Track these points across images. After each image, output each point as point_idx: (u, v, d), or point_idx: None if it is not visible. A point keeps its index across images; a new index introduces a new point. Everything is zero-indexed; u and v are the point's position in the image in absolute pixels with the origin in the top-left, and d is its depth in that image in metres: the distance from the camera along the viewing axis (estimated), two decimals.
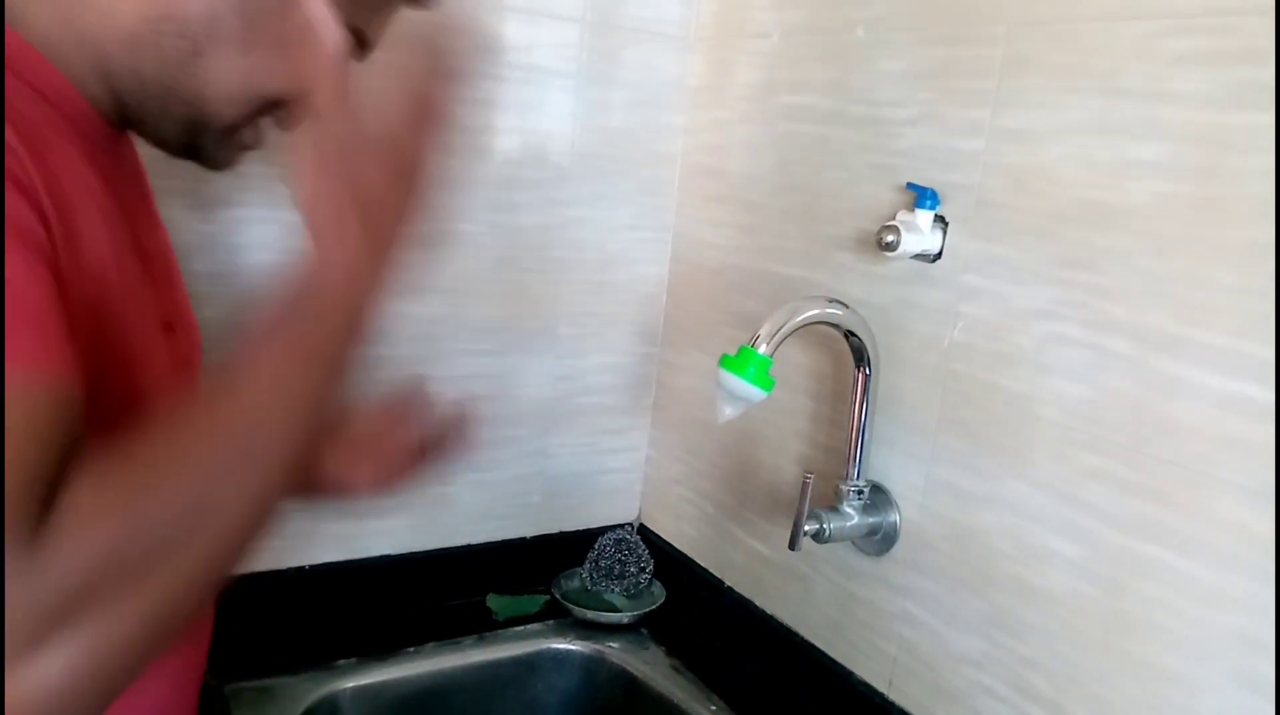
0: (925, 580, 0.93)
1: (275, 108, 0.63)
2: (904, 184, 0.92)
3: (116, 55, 0.58)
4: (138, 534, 0.46)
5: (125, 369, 0.58)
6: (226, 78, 0.59)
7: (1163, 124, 0.72)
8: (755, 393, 0.84)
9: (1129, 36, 0.74)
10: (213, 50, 0.58)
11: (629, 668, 1.16)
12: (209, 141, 0.63)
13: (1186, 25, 0.70)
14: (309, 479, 0.78)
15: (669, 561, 1.29)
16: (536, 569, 1.27)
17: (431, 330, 1.14)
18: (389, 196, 0.59)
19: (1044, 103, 0.80)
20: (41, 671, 0.42)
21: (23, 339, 0.44)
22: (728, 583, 1.19)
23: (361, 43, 0.64)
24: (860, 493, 0.95)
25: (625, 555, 1.27)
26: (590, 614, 1.21)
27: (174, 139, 0.62)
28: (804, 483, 0.91)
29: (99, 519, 0.44)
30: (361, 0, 0.62)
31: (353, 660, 1.09)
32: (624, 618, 1.21)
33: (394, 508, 1.14)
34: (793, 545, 0.92)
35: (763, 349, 0.84)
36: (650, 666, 1.16)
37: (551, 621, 1.23)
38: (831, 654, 1.04)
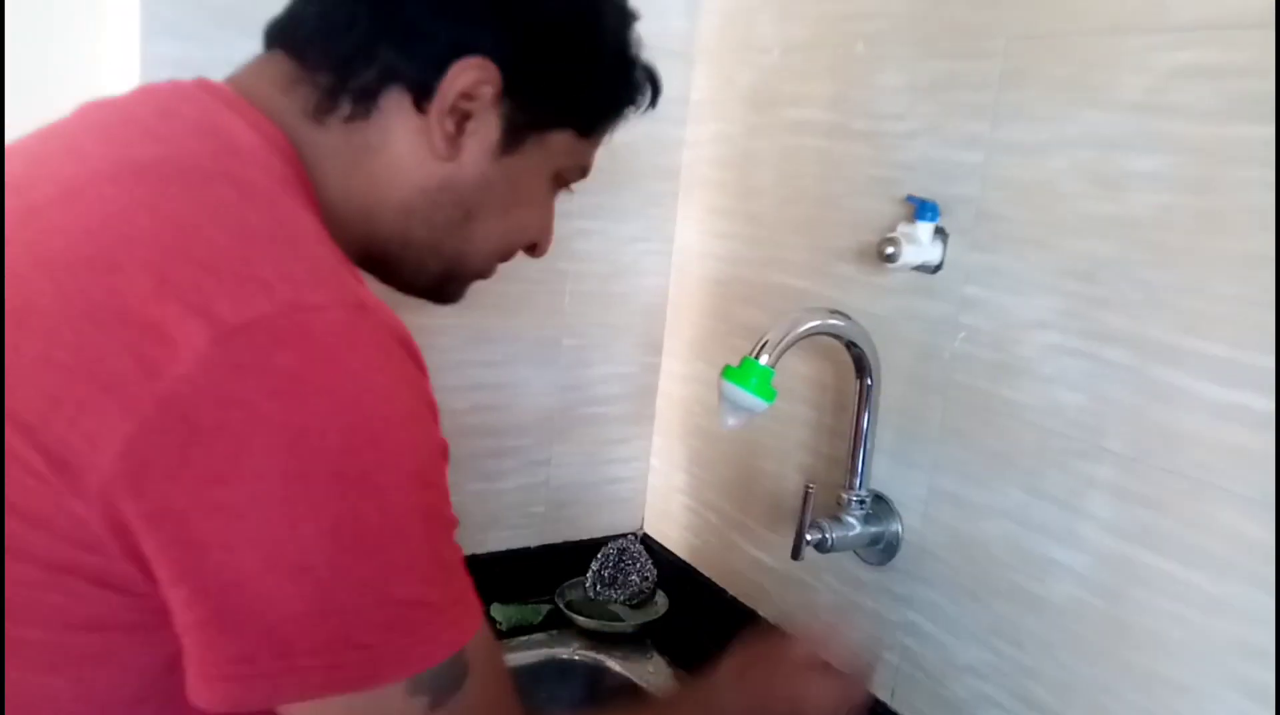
0: (927, 590, 0.93)
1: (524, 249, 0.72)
2: (904, 196, 0.93)
3: (386, 221, 0.63)
4: None
5: None
6: (489, 236, 0.67)
7: (1161, 136, 0.72)
8: (757, 403, 0.84)
9: (1127, 50, 0.75)
10: (481, 215, 0.65)
11: (632, 677, 1.17)
12: (456, 287, 0.70)
13: (1184, 39, 0.71)
14: None
15: (672, 571, 1.29)
16: (540, 579, 1.27)
17: (436, 341, 1.15)
18: None
19: (1043, 115, 0.81)
20: None
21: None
22: (731, 592, 1.19)
23: (584, 174, 0.72)
24: (862, 502, 0.96)
25: (628, 564, 1.27)
26: (594, 624, 1.21)
27: (422, 286, 0.69)
28: (806, 492, 0.92)
29: None
30: (595, 144, 0.70)
31: None
32: (628, 628, 1.22)
33: None
34: (795, 555, 0.93)
35: (765, 360, 0.84)
36: (653, 676, 1.17)
37: (555, 631, 1.23)
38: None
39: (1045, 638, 0.82)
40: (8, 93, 0.92)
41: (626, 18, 0.66)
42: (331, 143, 0.59)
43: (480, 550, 1.23)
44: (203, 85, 0.59)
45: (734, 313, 1.19)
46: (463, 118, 0.60)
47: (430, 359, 1.20)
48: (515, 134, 0.62)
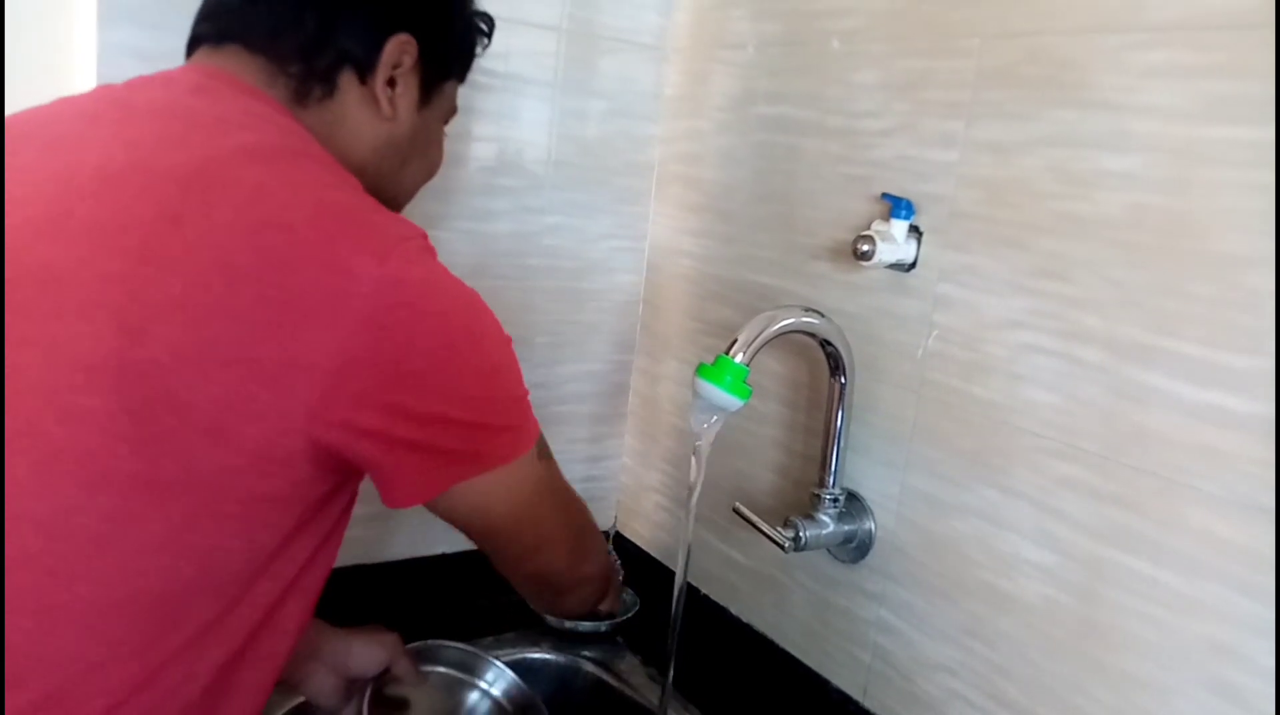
0: (900, 588, 0.93)
1: None
2: (879, 194, 0.92)
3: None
4: None
5: None
6: (415, 176, 0.84)
7: (1135, 136, 0.73)
8: (732, 401, 0.84)
9: (1102, 49, 0.75)
10: (412, 159, 0.81)
11: (605, 676, 1.16)
12: None
13: (1159, 39, 0.71)
14: None
15: (645, 569, 1.29)
16: None
17: None
18: None
19: (1017, 114, 0.81)
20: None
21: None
22: (703, 590, 1.19)
23: (455, 110, 0.87)
24: (836, 500, 0.95)
25: None
26: (567, 624, 1.20)
27: None
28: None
29: None
30: (455, 92, 0.86)
31: None
32: (601, 627, 1.21)
33: (363, 517, 1.13)
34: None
35: (739, 358, 0.84)
36: (626, 674, 1.16)
37: (524, 631, 1.22)
38: (807, 661, 1.04)
39: (1017, 636, 0.82)
40: None
41: None
42: (313, 122, 0.72)
43: (451, 549, 1.22)
44: (215, 76, 0.71)
45: (707, 310, 1.18)
46: (393, 83, 0.75)
47: None
48: (428, 89, 0.79)
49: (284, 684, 0.79)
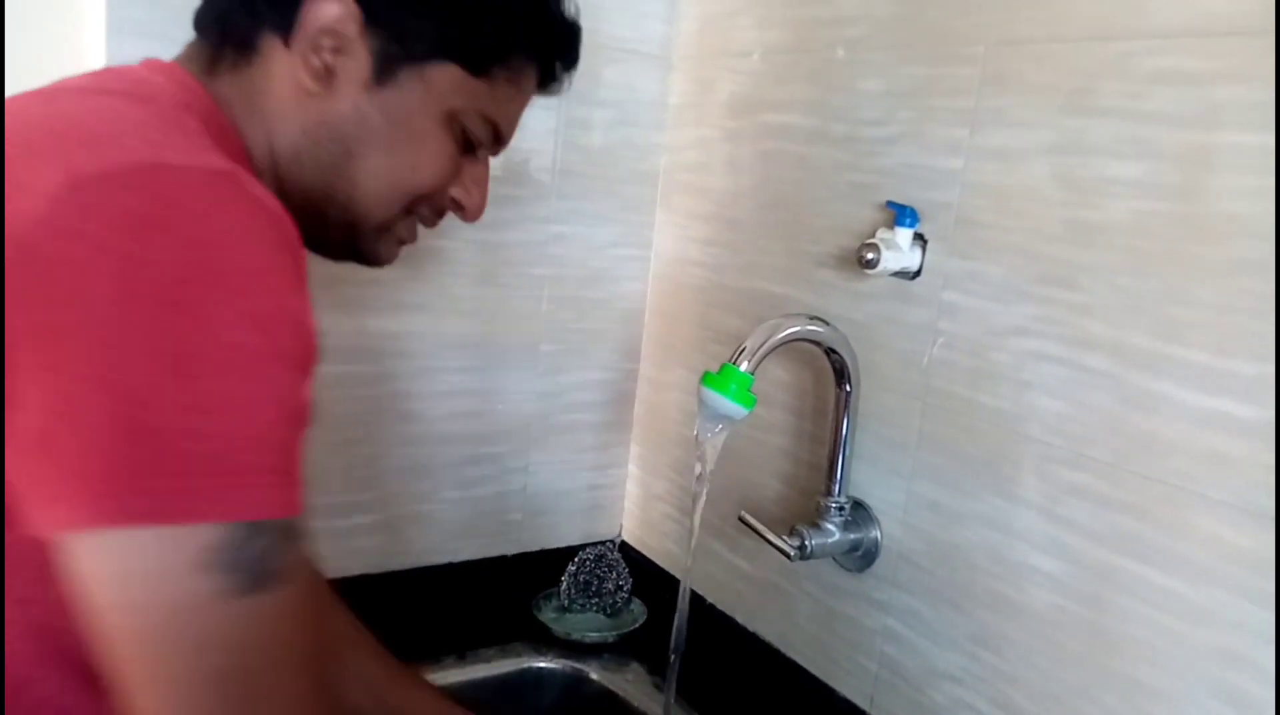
0: (906, 596, 0.93)
1: (421, 203, 0.69)
2: (884, 202, 0.92)
3: (288, 172, 0.64)
4: None
5: None
6: (375, 175, 0.65)
7: (1141, 142, 0.73)
8: (737, 410, 0.84)
9: (1106, 56, 0.75)
10: (361, 152, 0.64)
11: (610, 686, 1.16)
12: (365, 241, 0.69)
13: (1164, 46, 0.71)
14: None
15: (651, 578, 1.28)
16: (518, 587, 1.26)
17: (412, 347, 1.13)
18: None
19: (1023, 121, 0.81)
20: None
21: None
22: (709, 600, 1.18)
23: (498, 137, 0.70)
24: (841, 509, 0.95)
25: (604, 572, 1.26)
26: (574, 635, 1.20)
27: (334, 242, 0.68)
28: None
29: None
30: (499, 94, 0.68)
31: None
32: (609, 637, 1.21)
33: (368, 526, 1.14)
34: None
35: (745, 366, 0.84)
36: (632, 685, 1.16)
37: (532, 640, 1.22)
38: (813, 671, 1.04)
39: (1025, 645, 0.82)
40: None
41: None
42: (227, 92, 0.62)
43: (456, 558, 1.22)
44: (145, 64, 0.62)
45: (713, 319, 1.18)
46: (332, 52, 0.61)
47: (406, 365, 1.19)
48: (387, 66, 0.63)
49: None
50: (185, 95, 0.59)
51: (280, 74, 0.62)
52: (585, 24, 1.15)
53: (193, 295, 0.45)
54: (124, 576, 0.45)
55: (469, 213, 0.73)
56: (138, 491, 0.44)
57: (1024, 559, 0.82)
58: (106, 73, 0.60)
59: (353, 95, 0.62)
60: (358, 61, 0.62)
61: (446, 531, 1.21)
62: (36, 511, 0.46)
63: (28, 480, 0.46)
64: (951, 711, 0.89)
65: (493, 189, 1.14)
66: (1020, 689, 0.82)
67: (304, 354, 0.49)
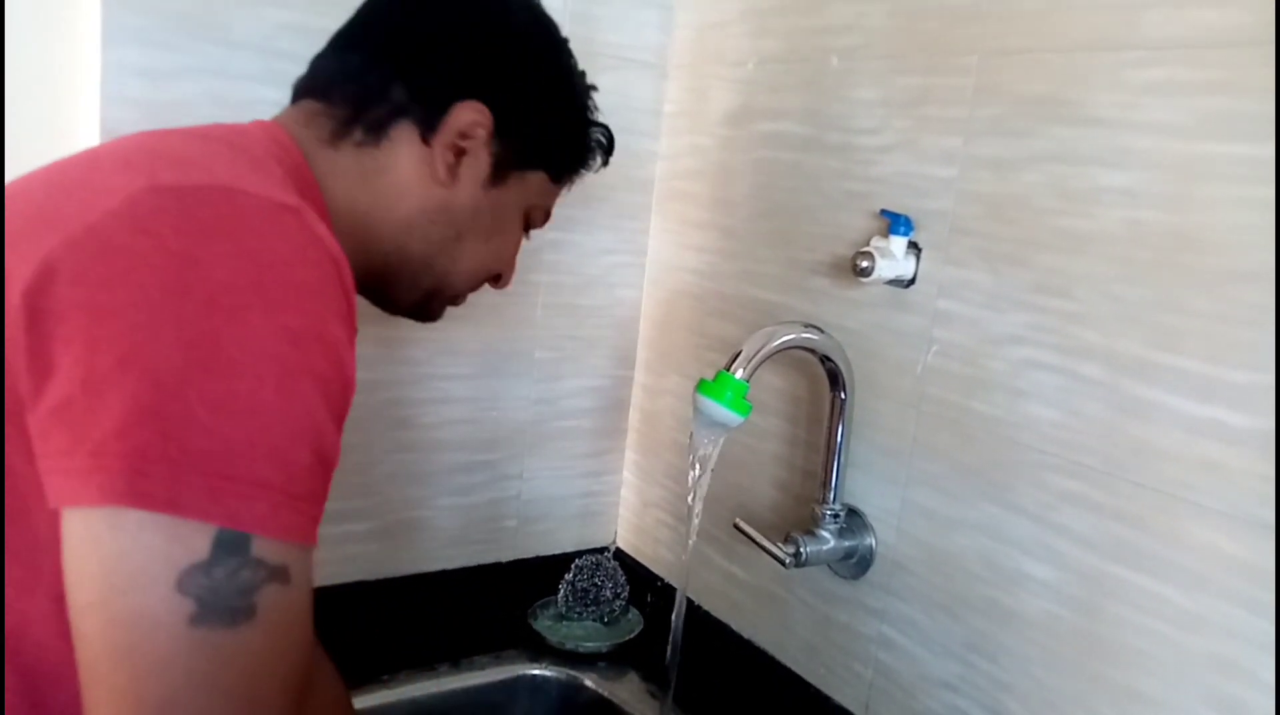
0: (901, 604, 0.93)
1: (489, 280, 0.82)
2: (878, 210, 0.93)
3: (388, 235, 0.72)
4: None
5: None
6: (473, 257, 0.77)
7: (1134, 152, 0.73)
8: (732, 417, 0.84)
9: (1099, 66, 0.75)
10: (469, 237, 0.75)
11: (606, 694, 1.16)
12: (439, 304, 0.81)
13: (1157, 56, 0.71)
14: None
15: (646, 585, 1.28)
16: (512, 594, 1.26)
17: (407, 353, 1.13)
18: None
19: (1016, 131, 0.81)
20: None
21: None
22: (704, 607, 1.18)
23: (547, 217, 0.83)
24: (836, 516, 0.95)
25: (601, 580, 1.26)
26: (569, 645, 1.20)
27: (405, 301, 0.79)
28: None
29: None
30: (548, 190, 0.81)
31: None
32: (603, 646, 1.20)
33: (363, 533, 1.13)
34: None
35: (740, 374, 0.84)
36: (627, 693, 1.16)
37: (526, 648, 1.21)
38: (808, 678, 1.04)
39: (1019, 652, 0.82)
40: None
41: (588, 88, 0.81)
42: (343, 162, 0.68)
43: (451, 565, 1.22)
44: (255, 125, 0.67)
45: (708, 326, 1.18)
46: (460, 152, 0.71)
47: (401, 372, 1.19)
48: (501, 169, 0.74)
49: None
50: (278, 150, 0.64)
51: (407, 161, 0.70)
52: (581, 32, 1.17)
53: (239, 301, 0.47)
54: (115, 557, 0.44)
55: (504, 285, 0.85)
56: (147, 475, 0.44)
57: (1018, 566, 0.82)
58: (215, 125, 0.66)
59: (471, 189, 0.73)
60: (480, 162, 0.72)
61: (441, 538, 1.21)
62: (49, 481, 0.46)
63: (47, 448, 0.46)
64: None
65: None
66: (1015, 696, 0.83)
67: (336, 380, 0.51)
